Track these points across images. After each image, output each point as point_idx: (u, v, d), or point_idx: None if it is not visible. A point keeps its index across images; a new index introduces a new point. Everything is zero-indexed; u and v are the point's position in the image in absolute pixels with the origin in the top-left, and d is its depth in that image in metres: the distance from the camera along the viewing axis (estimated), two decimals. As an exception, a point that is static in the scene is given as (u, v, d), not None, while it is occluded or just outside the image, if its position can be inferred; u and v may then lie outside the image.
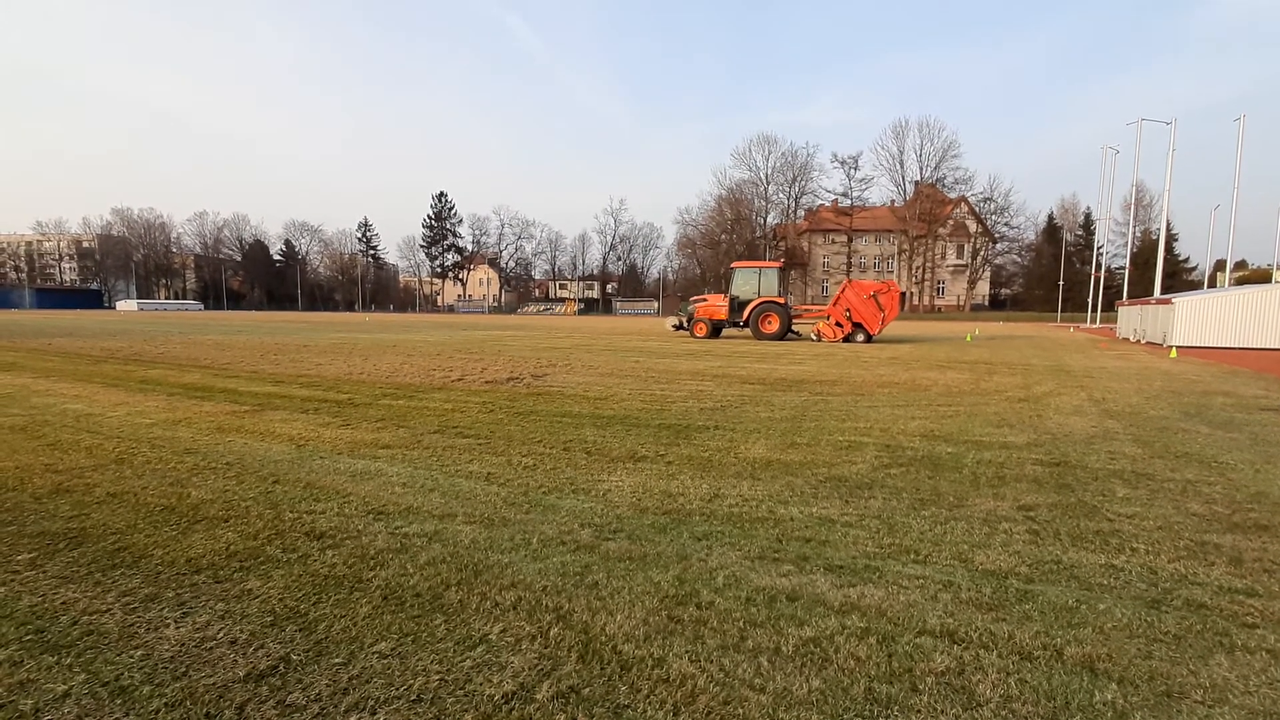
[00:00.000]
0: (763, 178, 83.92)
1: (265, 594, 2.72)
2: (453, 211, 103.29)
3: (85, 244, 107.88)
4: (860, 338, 22.53)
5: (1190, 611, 2.71)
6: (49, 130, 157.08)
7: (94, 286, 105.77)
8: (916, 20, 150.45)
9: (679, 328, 26.32)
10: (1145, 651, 2.38)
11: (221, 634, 2.40)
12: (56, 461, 4.86)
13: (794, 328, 24.48)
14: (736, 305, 24.20)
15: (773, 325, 23.39)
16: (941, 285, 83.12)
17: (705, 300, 25.79)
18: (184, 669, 2.17)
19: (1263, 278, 56.83)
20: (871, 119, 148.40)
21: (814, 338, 23.49)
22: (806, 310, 26.50)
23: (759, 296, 23.80)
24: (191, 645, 2.32)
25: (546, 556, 3.17)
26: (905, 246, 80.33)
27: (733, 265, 26.59)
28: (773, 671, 2.21)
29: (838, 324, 22.78)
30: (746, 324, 23.86)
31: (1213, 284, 48.54)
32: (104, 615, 2.53)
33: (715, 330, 24.61)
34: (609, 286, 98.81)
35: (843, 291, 23.23)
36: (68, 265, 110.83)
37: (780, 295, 24.02)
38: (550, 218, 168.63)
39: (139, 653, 2.27)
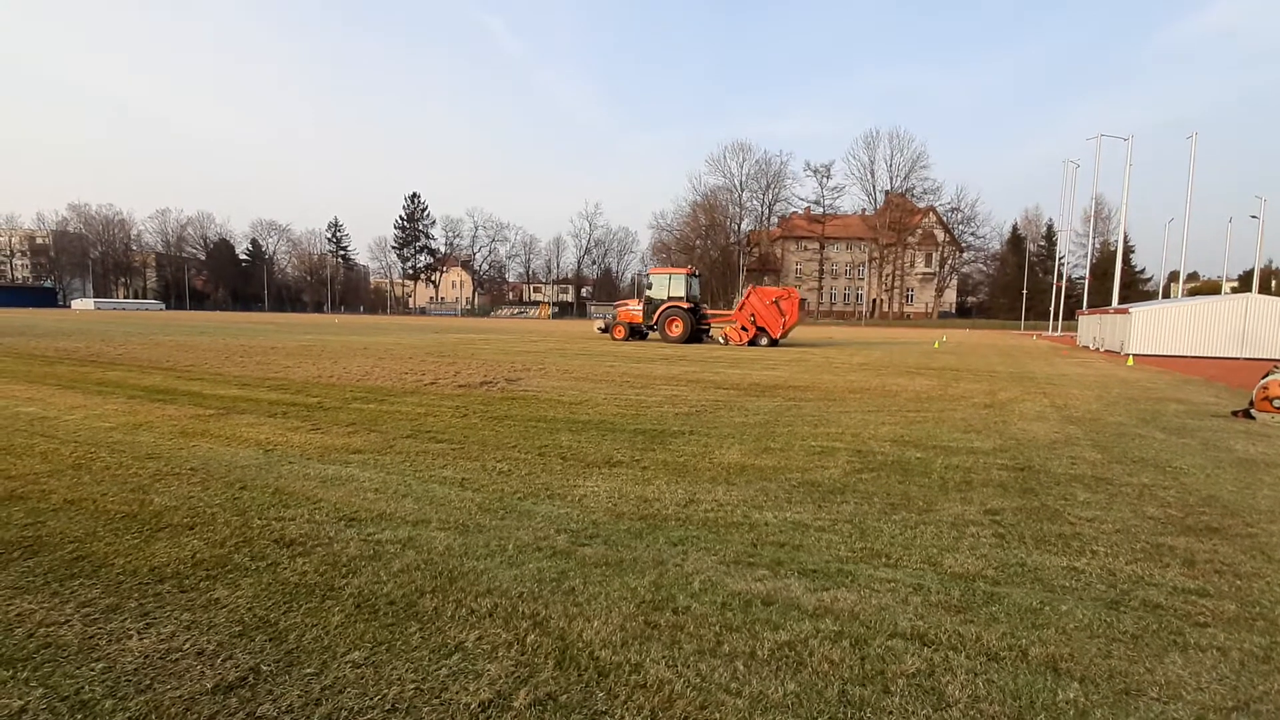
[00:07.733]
0: (737, 184, 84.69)
1: (233, 603, 2.66)
2: (425, 213, 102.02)
3: (39, 240, 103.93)
4: (764, 341, 23.37)
5: (1147, 612, 2.81)
6: (2, 120, 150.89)
7: (48, 284, 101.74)
8: (892, 37, 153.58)
9: (604, 330, 27.23)
10: (1105, 651, 2.47)
11: (188, 645, 2.34)
12: (9, 467, 4.68)
13: (709, 331, 25.27)
14: (651, 309, 24.87)
15: (677, 329, 24.12)
16: (910, 293, 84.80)
17: (626, 305, 26.88)
18: (148, 681, 2.11)
19: (1213, 289, 59.22)
20: (844, 130, 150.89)
21: (721, 341, 24.41)
22: (716, 315, 26.98)
23: (668, 300, 24.45)
24: (156, 657, 2.26)
25: (522, 563, 3.16)
26: (875, 254, 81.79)
27: (650, 271, 27.52)
28: (748, 675, 2.24)
29: (743, 328, 23.67)
30: (654, 327, 24.59)
31: (1167, 294, 50.42)
32: (62, 627, 2.45)
33: (634, 333, 25.53)
34: (584, 290, 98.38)
35: (747, 298, 24.15)
36: (20, 262, 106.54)
37: (689, 300, 24.64)
38: (525, 221, 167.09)
39: (100, 665, 2.20)
